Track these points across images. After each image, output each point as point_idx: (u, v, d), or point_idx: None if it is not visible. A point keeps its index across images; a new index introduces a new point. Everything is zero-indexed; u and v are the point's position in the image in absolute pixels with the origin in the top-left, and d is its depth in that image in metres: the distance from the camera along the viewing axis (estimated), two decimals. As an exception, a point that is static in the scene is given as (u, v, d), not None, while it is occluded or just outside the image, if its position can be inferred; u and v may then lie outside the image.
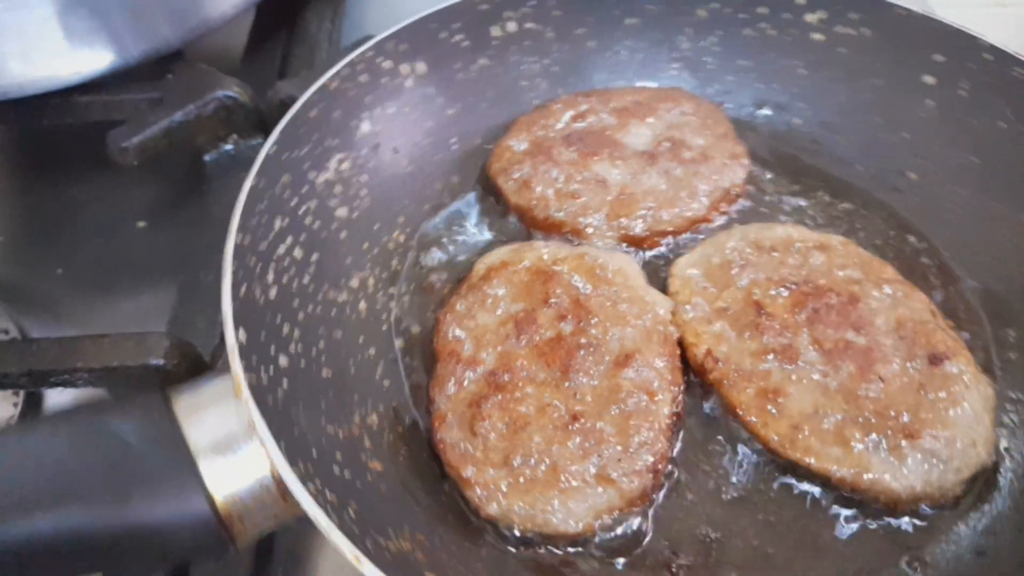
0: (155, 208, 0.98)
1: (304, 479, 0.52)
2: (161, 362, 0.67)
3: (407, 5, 0.87)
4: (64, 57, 0.86)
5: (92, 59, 0.88)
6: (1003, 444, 0.66)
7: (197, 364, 0.71)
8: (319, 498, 0.52)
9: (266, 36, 1.13)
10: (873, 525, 0.63)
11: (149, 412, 0.55)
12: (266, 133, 0.86)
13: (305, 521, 0.66)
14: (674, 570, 0.61)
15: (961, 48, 0.83)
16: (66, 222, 0.98)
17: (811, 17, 0.91)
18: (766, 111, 0.94)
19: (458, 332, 0.71)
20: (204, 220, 0.88)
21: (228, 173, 0.92)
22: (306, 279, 0.72)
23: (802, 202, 0.86)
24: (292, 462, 0.53)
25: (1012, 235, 0.78)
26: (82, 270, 0.92)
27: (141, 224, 0.96)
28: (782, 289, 0.73)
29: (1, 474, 0.49)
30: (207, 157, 0.93)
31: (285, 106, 0.77)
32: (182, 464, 0.54)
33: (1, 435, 0.51)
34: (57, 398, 0.80)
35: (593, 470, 0.62)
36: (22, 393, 0.78)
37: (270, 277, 0.68)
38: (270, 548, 0.69)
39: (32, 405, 0.78)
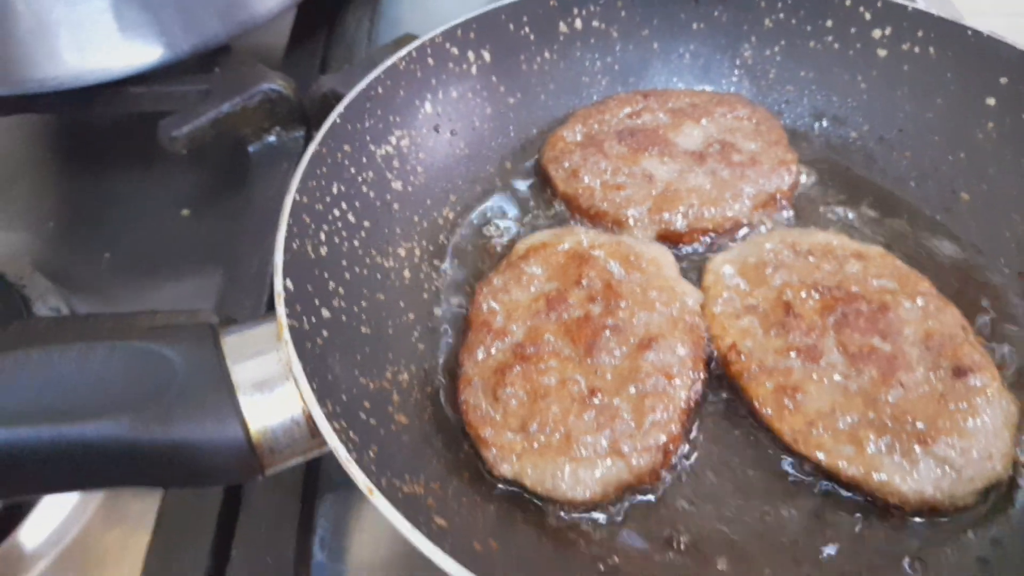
0: (199, 197, 1.03)
1: (331, 417, 0.57)
2: None
3: (441, 4, 0.91)
4: (117, 50, 0.91)
5: (144, 52, 0.93)
6: (1024, 461, 0.66)
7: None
8: (342, 435, 0.56)
9: (307, 33, 1.18)
10: (880, 525, 0.63)
11: (199, 344, 0.60)
12: (308, 126, 0.91)
13: (345, 493, 0.72)
14: (676, 546, 0.62)
15: (1027, 71, 0.83)
16: (114, 209, 1.02)
17: (877, 32, 0.92)
18: (823, 123, 0.95)
19: (492, 304, 0.75)
20: (248, 209, 0.92)
21: (271, 164, 0.96)
22: (356, 242, 0.76)
23: (849, 214, 0.87)
24: (321, 401, 0.57)
25: (1060, 261, 0.77)
26: (129, 255, 0.97)
27: (185, 212, 1.01)
28: (814, 292, 0.74)
29: (64, 381, 0.55)
30: (251, 148, 0.97)
31: (327, 100, 0.81)
32: (223, 394, 0.58)
33: (67, 348, 0.57)
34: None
35: (605, 443, 0.64)
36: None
37: (322, 236, 0.72)
38: (311, 517, 0.73)
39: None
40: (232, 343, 0.62)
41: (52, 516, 0.76)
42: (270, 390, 0.60)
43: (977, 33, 0.85)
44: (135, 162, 1.08)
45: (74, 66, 0.92)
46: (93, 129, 1.14)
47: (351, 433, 0.58)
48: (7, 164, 1.10)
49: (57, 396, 0.54)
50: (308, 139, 0.75)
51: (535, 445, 0.64)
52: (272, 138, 0.99)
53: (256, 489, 0.71)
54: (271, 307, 0.80)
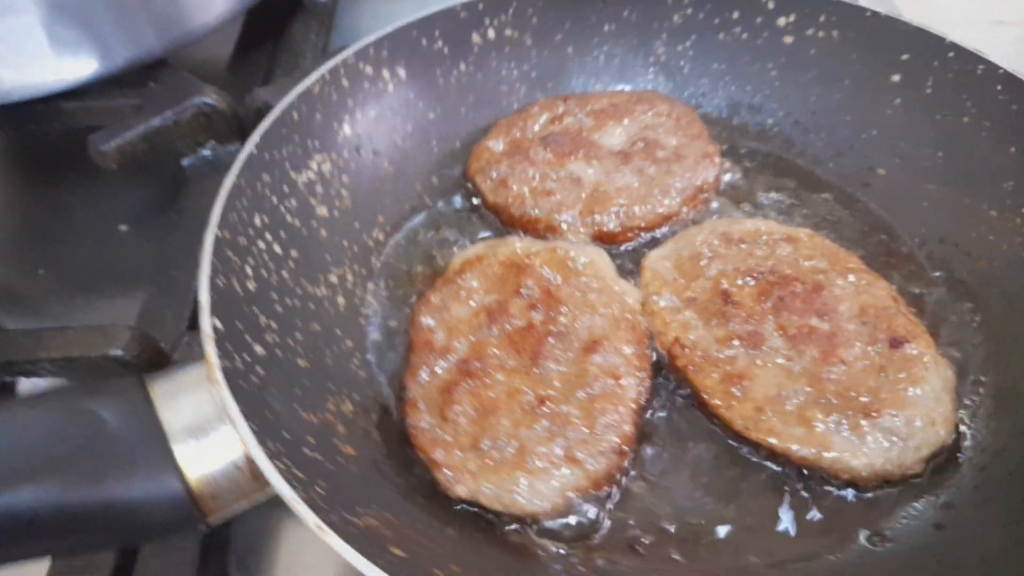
0: (137, 212, 1.02)
1: (273, 457, 0.54)
2: (120, 353, 0.70)
3: (399, 9, 0.91)
4: (50, 64, 0.90)
5: (77, 66, 0.91)
6: (964, 424, 0.68)
7: (158, 355, 0.74)
8: (287, 475, 0.53)
9: (252, 45, 1.17)
10: (835, 504, 0.64)
11: (125, 396, 0.57)
12: (244, 139, 0.90)
13: (261, 512, 0.70)
14: (638, 549, 0.62)
15: (926, 47, 0.85)
16: (51, 225, 1.01)
17: (782, 20, 0.94)
18: (740, 112, 0.97)
19: (432, 323, 0.73)
20: (182, 222, 0.90)
21: (206, 177, 0.95)
22: (285, 274, 0.74)
23: (775, 199, 0.88)
24: (262, 441, 0.55)
25: (977, 225, 0.80)
26: (64, 271, 0.95)
27: (123, 228, 0.99)
28: (749, 279, 0.75)
29: (-21, 450, 0.51)
30: (185, 162, 0.97)
31: (262, 113, 0.80)
32: (156, 445, 0.55)
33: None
34: (29, 388, 0.82)
35: (560, 451, 0.63)
36: (-7, 383, 0.82)
37: (248, 271, 0.70)
38: (226, 539, 0.70)
39: (4, 394, 0.80)
40: (162, 390, 0.59)
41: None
42: (206, 435, 0.57)
43: (875, 13, 0.88)
44: (73, 178, 1.06)
45: (4, 81, 0.90)
46: (30, 145, 1.13)
47: (295, 471, 0.55)
48: (-59, 182, 1.11)
49: (-27, 467, 0.51)
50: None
51: (489, 462, 0.63)
52: (207, 152, 0.98)
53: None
54: (193, 321, 0.79)
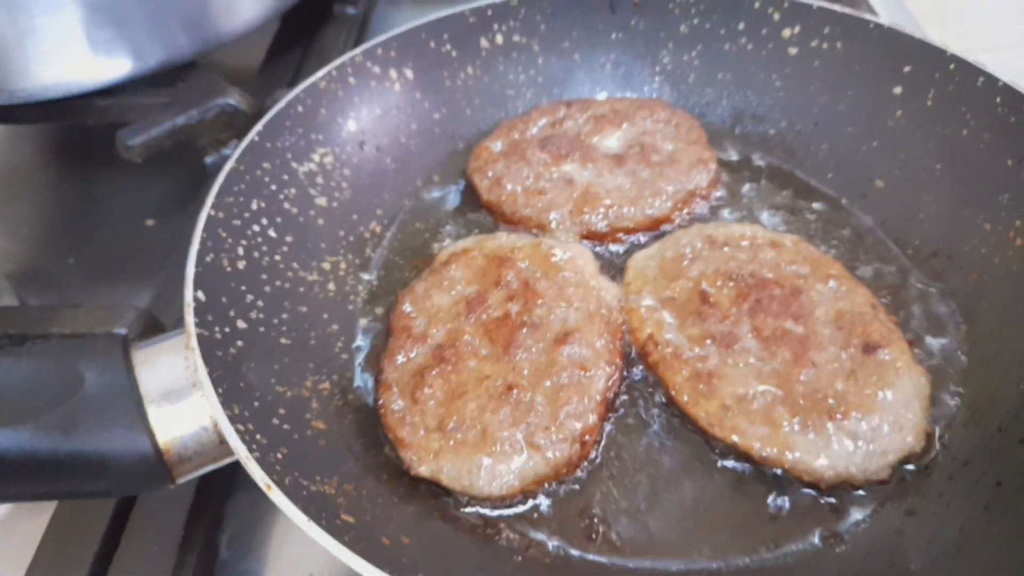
0: (163, 207, 1.06)
1: (235, 420, 0.57)
2: (124, 331, 0.72)
3: None
4: (87, 64, 0.95)
5: (112, 66, 0.97)
6: (938, 433, 0.67)
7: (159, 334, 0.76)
8: (246, 437, 0.56)
9: (283, 54, 1.21)
10: (795, 504, 0.63)
11: (107, 356, 0.60)
12: None
13: (256, 496, 0.72)
14: (593, 537, 0.62)
15: (928, 59, 0.85)
16: (82, 215, 1.06)
17: (787, 32, 0.94)
18: (743, 122, 0.97)
19: (413, 310, 0.75)
20: (197, 219, 0.94)
21: None
22: (277, 257, 0.77)
23: (769, 207, 0.88)
24: (227, 405, 0.57)
25: (971, 238, 0.78)
26: (92, 260, 1.00)
27: (150, 222, 1.03)
28: (729, 281, 0.75)
29: (-39, 394, 0.55)
30: (208, 160, 1.01)
31: None
32: (131, 405, 0.59)
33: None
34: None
35: (520, 437, 0.64)
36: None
37: (240, 251, 0.73)
38: (219, 517, 0.73)
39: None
40: (144, 354, 0.62)
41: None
42: (179, 399, 0.60)
43: (879, 26, 0.88)
44: (106, 172, 1.12)
45: (44, 79, 0.95)
46: (65, 140, 1.19)
47: (258, 436, 0.58)
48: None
49: (-47, 410, 0.55)
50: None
51: (452, 443, 0.65)
52: (229, 151, 1.01)
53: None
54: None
